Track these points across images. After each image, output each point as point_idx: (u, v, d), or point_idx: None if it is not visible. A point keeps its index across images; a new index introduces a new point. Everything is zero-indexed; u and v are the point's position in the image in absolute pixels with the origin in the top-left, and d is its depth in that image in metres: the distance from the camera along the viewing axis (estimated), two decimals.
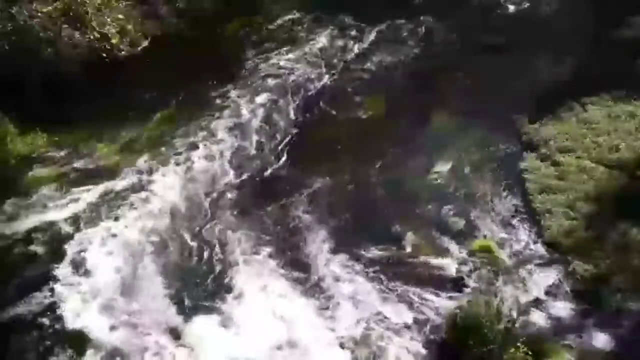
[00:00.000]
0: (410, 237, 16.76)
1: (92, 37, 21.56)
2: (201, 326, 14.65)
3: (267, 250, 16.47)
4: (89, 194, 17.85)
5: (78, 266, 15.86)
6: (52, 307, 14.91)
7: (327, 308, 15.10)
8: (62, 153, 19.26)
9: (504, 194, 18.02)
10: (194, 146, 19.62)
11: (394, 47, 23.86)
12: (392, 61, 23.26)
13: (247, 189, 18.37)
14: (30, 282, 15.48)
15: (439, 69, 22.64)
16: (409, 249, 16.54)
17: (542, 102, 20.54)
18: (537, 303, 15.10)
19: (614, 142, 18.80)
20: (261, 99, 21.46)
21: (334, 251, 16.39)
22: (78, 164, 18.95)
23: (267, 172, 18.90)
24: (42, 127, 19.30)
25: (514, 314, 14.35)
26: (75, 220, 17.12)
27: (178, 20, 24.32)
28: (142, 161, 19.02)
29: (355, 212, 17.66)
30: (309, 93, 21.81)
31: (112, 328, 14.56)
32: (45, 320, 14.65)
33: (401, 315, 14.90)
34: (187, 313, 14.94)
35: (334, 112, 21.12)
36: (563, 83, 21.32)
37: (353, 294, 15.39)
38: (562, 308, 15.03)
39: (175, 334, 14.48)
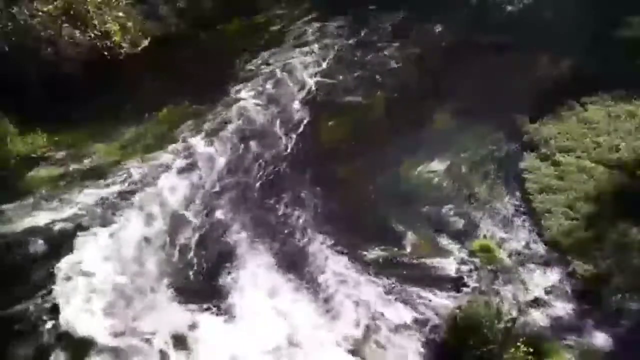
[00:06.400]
0: (410, 237, 16.77)
1: (92, 35, 21.56)
2: (203, 327, 14.64)
3: (268, 250, 16.47)
4: (89, 194, 17.84)
5: (78, 266, 15.86)
6: (52, 308, 14.89)
7: (328, 308, 15.11)
8: (62, 153, 19.26)
9: (504, 193, 18.03)
10: (194, 146, 19.62)
11: (394, 46, 23.86)
12: (393, 60, 23.26)
13: (247, 189, 18.37)
14: (30, 283, 15.46)
15: (440, 69, 22.63)
16: (409, 249, 16.55)
17: (542, 102, 20.55)
18: (537, 303, 15.11)
19: (614, 142, 18.81)
20: (261, 98, 21.48)
21: (335, 251, 16.38)
22: (78, 164, 18.95)
23: (268, 172, 18.90)
24: (42, 127, 19.30)
25: (514, 314, 14.36)
26: (75, 220, 17.11)
27: (178, 20, 24.34)
28: (142, 161, 19.02)
29: (356, 212, 17.67)
30: (309, 92, 21.81)
31: (113, 329, 14.54)
32: (45, 321, 14.63)
33: (401, 315, 14.90)
34: (188, 314, 14.91)
35: (334, 112, 21.12)
36: (563, 83, 21.34)
37: (353, 294, 15.39)
38: (562, 308, 15.04)
39: (177, 335, 14.47)
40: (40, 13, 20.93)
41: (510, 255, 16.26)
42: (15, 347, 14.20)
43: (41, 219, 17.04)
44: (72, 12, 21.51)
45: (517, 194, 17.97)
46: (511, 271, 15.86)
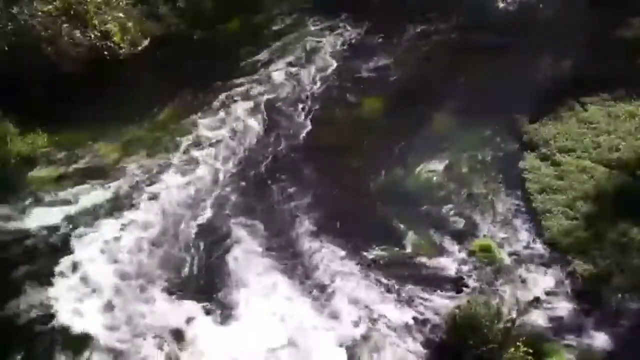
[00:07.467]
0: (410, 237, 16.77)
1: (92, 35, 21.63)
2: (202, 326, 14.66)
3: (267, 250, 16.47)
4: (89, 194, 17.87)
5: (78, 266, 15.88)
6: (52, 308, 14.91)
7: (327, 307, 15.10)
8: (62, 153, 19.28)
9: (504, 193, 18.01)
10: (194, 146, 19.64)
11: (393, 47, 23.86)
12: (392, 61, 23.25)
13: (247, 189, 18.38)
14: (30, 283, 15.48)
15: (439, 69, 22.63)
16: (409, 249, 16.54)
17: (542, 102, 20.52)
18: (537, 303, 15.10)
19: (614, 142, 18.79)
20: (261, 98, 21.48)
21: (335, 251, 16.38)
22: (78, 164, 18.97)
23: (268, 172, 18.91)
24: (42, 127, 19.32)
25: (514, 314, 14.35)
26: (75, 220, 17.13)
27: (178, 20, 24.37)
28: (143, 161, 19.05)
29: (356, 212, 17.66)
30: (308, 93, 21.81)
31: (113, 328, 14.57)
32: (45, 321, 14.66)
33: (401, 315, 14.90)
34: (188, 313, 14.93)
35: (333, 112, 21.12)
36: (563, 83, 21.31)
37: (353, 293, 15.39)
38: (562, 308, 15.02)
39: (176, 335, 14.49)
40: (40, 13, 21.01)
41: (510, 255, 16.25)
42: (14, 347, 14.21)
43: (41, 219, 17.06)
44: (72, 12, 21.60)
45: (517, 194, 17.95)
46: (511, 271, 15.85)
